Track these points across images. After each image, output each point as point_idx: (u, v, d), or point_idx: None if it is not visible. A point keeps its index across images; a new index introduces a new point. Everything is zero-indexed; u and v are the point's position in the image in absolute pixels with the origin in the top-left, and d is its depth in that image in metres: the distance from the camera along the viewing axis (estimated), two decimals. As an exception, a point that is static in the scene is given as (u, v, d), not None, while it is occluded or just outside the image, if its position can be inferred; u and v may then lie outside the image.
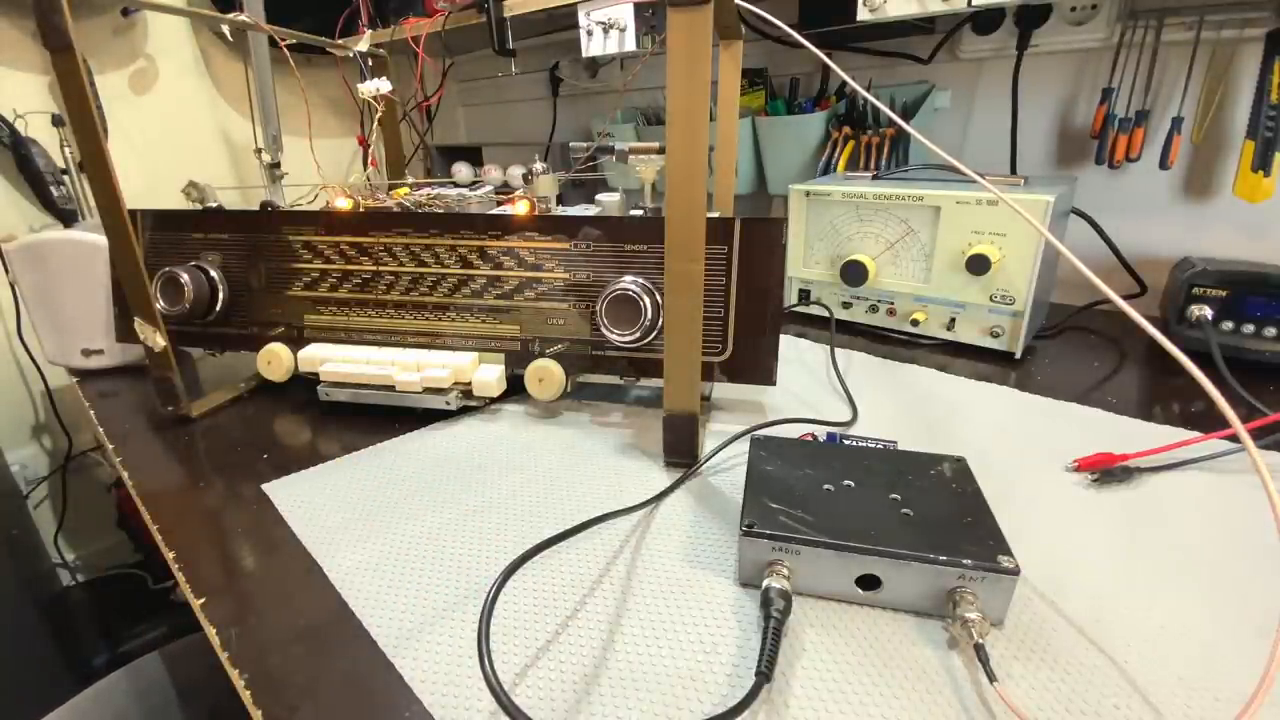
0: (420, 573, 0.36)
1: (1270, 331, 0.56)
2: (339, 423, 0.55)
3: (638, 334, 0.49)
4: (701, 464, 0.45)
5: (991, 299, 0.61)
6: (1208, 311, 0.58)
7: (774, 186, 0.94)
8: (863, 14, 0.66)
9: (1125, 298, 0.31)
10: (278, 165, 1.03)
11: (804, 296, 0.74)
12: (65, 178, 0.97)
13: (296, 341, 0.58)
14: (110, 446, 0.54)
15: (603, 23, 0.81)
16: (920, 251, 0.65)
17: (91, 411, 0.62)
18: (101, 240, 0.55)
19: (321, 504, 0.43)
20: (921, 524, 0.32)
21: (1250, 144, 0.63)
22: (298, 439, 0.53)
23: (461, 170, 1.19)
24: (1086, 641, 0.30)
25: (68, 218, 0.97)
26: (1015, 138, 0.79)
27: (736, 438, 0.46)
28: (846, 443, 0.42)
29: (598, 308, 0.50)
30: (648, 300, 0.49)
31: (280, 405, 0.59)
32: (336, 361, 0.54)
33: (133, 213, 0.53)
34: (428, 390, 0.53)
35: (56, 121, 1.00)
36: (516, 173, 0.94)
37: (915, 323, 0.66)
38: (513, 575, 0.31)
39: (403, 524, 0.40)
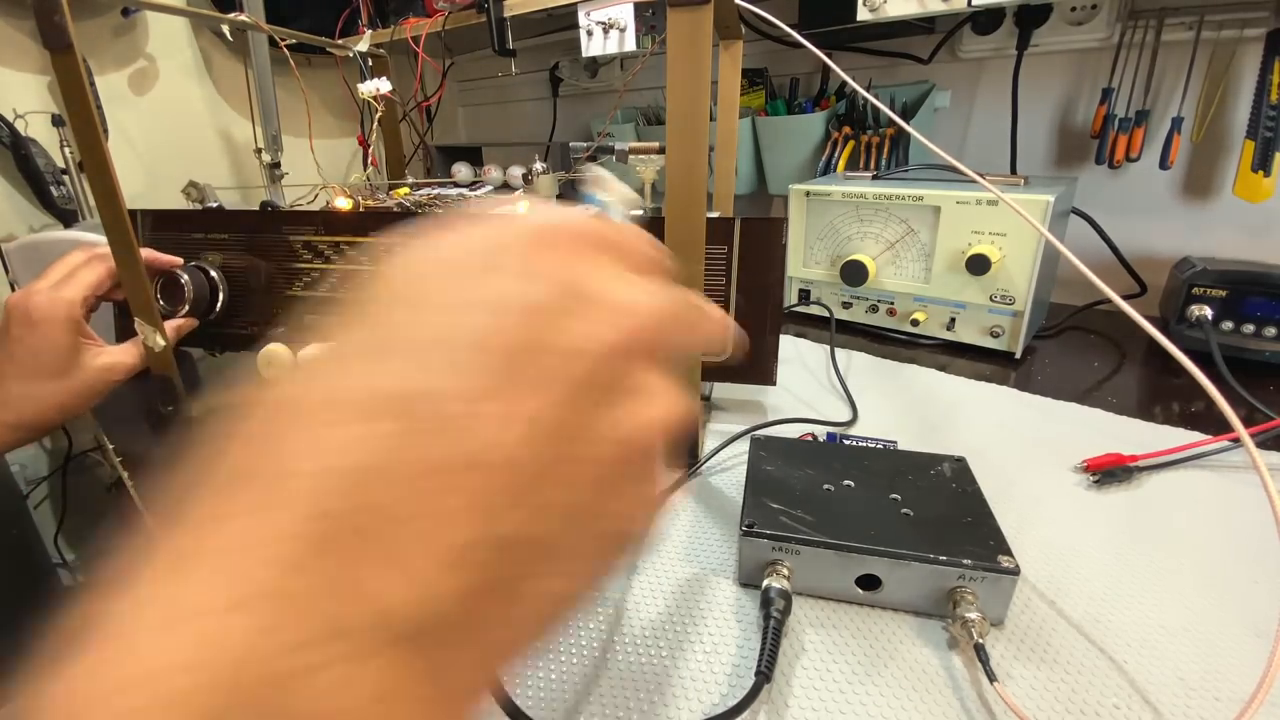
0: (420, 573, 0.36)
1: (1270, 331, 0.56)
2: (339, 423, 0.54)
3: (638, 334, 0.49)
4: (701, 464, 0.45)
5: (991, 299, 0.61)
6: (1208, 311, 0.58)
7: (774, 186, 0.94)
8: (863, 14, 0.66)
9: (1125, 298, 0.31)
10: (278, 165, 1.02)
11: (804, 296, 0.74)
12: (65, 178, 0.97)
13: (296, 342, 0.58)
14: (110, 446, 0.54)
15: (603, 23, 0.81)
16: (920, 251, 0.65)
17: (91, 411, 0.61)
18: (101, 240, 0.55)
19: (321, 504, 0.43)
20: (922, 524, 0.32)
21: (1250, 144, 0.63)
22: (298, 439, 0.53)
23: (461, 170, 1.19)
24: (1086, 641, 0.30)
25: (68, 218, 0.97)
26: (1015, 138, 0.79)
27: (736, 438, 0.46)
28: (846, 443, 0.42)
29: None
30: (648, 300, 0.48)
31: (280, 405, 0.59)
32: (336, 361, 0.54)
33: (133, 213, 0.53)
34: (428, 390, 0.53)
35: (56, 121, 1.00)
36: (516, 173, 0.94)
37: (915, 323, 0.66)
38: (513, 575, 0.31)
39: (403, 524, 0.40)
